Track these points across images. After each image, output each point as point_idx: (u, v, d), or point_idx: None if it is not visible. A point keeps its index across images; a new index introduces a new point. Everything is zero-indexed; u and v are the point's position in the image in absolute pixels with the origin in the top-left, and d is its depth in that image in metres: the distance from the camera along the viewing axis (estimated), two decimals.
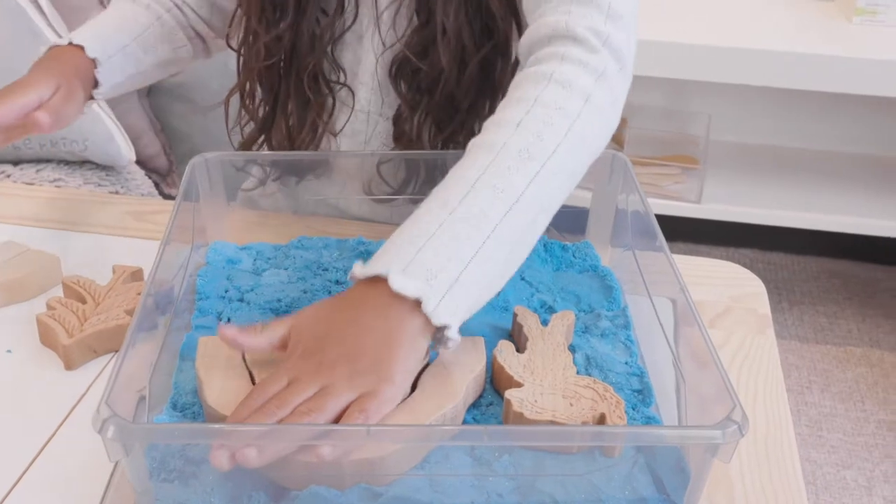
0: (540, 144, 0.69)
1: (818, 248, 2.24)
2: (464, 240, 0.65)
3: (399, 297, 0.62)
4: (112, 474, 0.65)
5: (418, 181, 0.93)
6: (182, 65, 1.06)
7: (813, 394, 1.88)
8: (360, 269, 0.65)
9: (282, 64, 0.95)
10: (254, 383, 0.66)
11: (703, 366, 0.67)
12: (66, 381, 0.75)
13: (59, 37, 1.52)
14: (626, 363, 0.74)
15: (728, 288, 0.92)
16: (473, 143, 0.71)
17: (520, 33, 0.89)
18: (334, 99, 0.97)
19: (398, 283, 0.62)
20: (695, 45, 1.75)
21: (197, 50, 1.06)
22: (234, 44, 0.98)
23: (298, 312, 0.67)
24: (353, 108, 0.97)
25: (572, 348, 0.75)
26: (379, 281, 0.63)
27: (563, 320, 0.75)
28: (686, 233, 2.07)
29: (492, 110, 0.89)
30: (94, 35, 0.95)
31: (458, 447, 0.62)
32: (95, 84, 0.94)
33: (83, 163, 1.60)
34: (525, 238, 0.69)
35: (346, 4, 0.93)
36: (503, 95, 0.76)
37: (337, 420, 0.59)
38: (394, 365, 0.62)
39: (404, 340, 0.63)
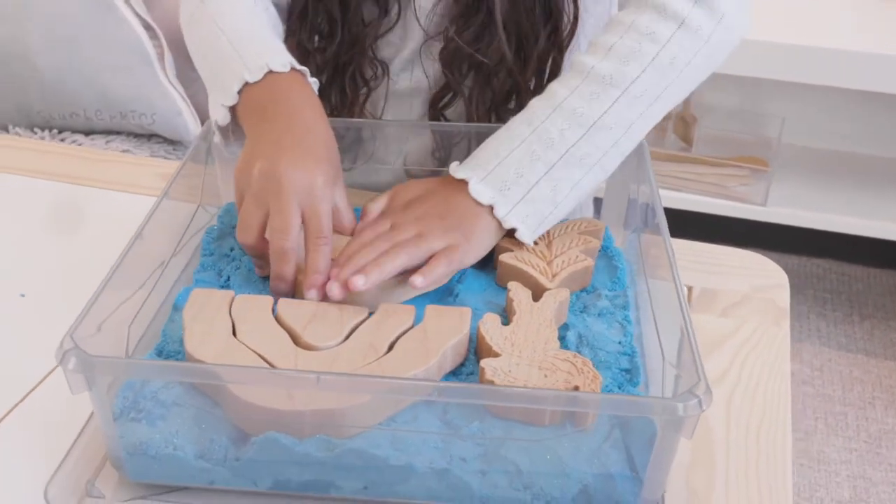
0: (624, 71, 0.76)
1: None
2: (537, 159, 0.76)
3: (477, 200, 0.75)
4: (90, 416, 0.67)
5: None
6: None
7: (875, 410, 1.81)
8: (453, 169, 0.78)
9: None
10: (234, 334, 0.67)
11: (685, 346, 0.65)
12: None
13: (133, 11, 1.57)
14: (619, 343, 0.73)
15: (749, 278, 0.90)
16: (572, 61, 0.79)
17: (576, 18, 0.88)
18: (369, 92, 0.95)
19: (476, 189, 0.75)
20: (771, 42, 1.70)
21: None
22: None
23: (398, 186, 0.80)
24: (385, 99, 0.96)
25: (566, 326, 0.74)
26: (465, 182, 0.76)
27: (556, 297, 0.74)
28: (755, 238, 2.00)
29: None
30: (274, 48, 0.83)
31: (428, 410, 0.62)
32: None
33: (151, 136, 1.65)
34: (603, 161, 0.77)
35: (389, 7, 0.90)
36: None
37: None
38: (477, 234, 0.75)
39: (482, 229, 0.76)
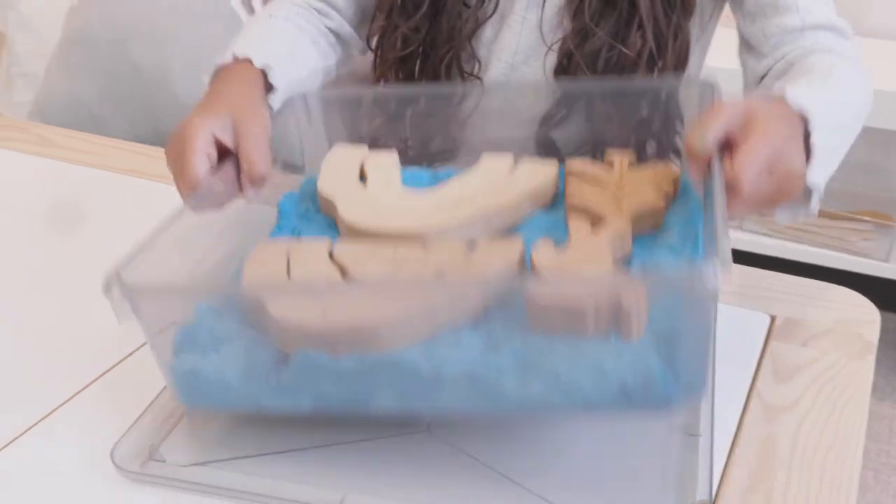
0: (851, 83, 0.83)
1: None
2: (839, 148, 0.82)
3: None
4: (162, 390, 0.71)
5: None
6: (328, 74, 1.00)
7: None
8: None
9: (419, 59, 0.97)
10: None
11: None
12: None
13: None
14: None
15: (837, 312, 0.86)
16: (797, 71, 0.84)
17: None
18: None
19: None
20: None
21: (338, 58, 1.03)
22: (372, 44, 1.00)
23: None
24: (481, 96, 0.96)
25: (630, 258, 0.71)
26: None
27: (614, 225, 0.71)
28: (876, 295, 1.92)
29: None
30: (253, 47, 0.89)
31: (471, 333, 0.61)
32: (269, 89, 0.86)
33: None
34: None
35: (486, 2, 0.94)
36: None
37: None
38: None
39: None
